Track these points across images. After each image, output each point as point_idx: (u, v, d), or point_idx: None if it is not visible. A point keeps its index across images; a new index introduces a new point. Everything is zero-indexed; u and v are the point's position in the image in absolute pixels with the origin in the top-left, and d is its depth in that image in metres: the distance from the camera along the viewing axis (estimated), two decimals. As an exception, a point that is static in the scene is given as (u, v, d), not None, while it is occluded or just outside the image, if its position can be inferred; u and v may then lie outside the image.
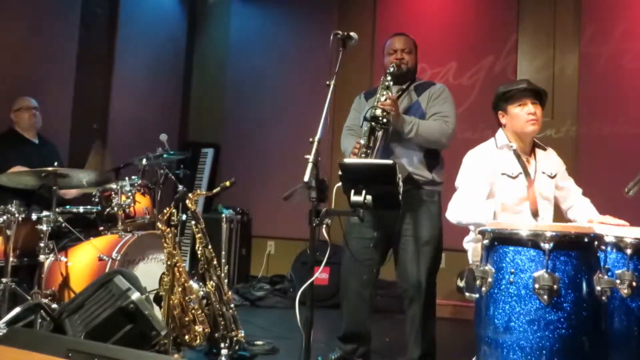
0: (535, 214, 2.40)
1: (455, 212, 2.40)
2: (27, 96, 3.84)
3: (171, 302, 2.60)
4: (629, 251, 1.83)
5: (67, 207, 3.53)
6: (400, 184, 2.06)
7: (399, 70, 2.78)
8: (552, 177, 2.50)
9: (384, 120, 2.54)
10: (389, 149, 2.72)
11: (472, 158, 2.50)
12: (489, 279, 1.83)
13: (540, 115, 2.45)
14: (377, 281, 2.91)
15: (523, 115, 2.41)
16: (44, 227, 2.92)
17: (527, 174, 2.43)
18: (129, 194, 3.39)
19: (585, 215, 2.47)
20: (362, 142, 2.56)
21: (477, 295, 1.90)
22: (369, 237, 2.78)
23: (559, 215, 2.58)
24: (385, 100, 2.59)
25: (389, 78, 2.74)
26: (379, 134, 2.58)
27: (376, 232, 2.77)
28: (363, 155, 2.51)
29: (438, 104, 2.80)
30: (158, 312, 2.66)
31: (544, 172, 2.47)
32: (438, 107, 2.80)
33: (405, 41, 2.87)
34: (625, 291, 1.81)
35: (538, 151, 2.53)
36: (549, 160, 2.54)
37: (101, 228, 3.43)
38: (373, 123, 2.56)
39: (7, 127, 3.80)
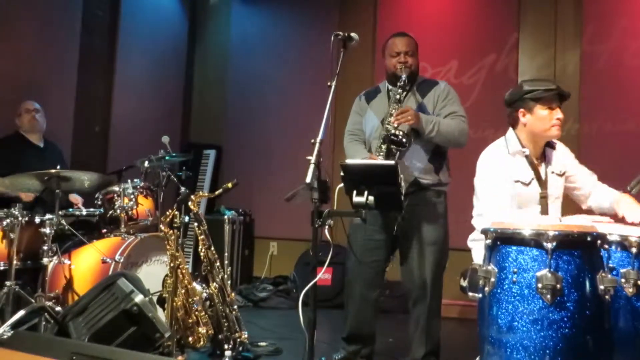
0: (545, 214, 2.38)
1: (487, 220, 2.27)
2: (29, 100, 3.85)
3: (174, 304, 2.60)
4: (634, 250, 1.83)
5: (70, 210, 3.54)
6: (402, 184, 2.06)
7: (406, 77, 2.72)
8: (561, 175, 2.47)
9: (403, 140, 2.49)
10: (393, 154, 2.66)
11: (489, 162, 2.42)
12: (492, 279, 1.83)
13: (562, 120, 2.38)
14: (383, 283, 2.91)
15: (551, 119, 2.33)
16: (47, 230, 2.93)
17: (539, 178, 2.38)
18: (132, 196, 3.40)
19: (606, 199, 2.39)
20: (380, 159, 2.52)
21: (480, 295, 1.90)
22: (374, 238, 2.77)
23: (566, 210, 2.56)
24: (400, 114, 2.55)
25: (399, 91, 2.69)
26: (397, 153, 2.57)
27: (382, 234, 2.76)
28: None
29: (449, 103, 2.78)
30: (161, 314, 2.66)
31: (553, 172, 2.44)
32: (450, 107, 2.77)
33: (408, 43, 2.81)
34: (631, 290, 1.81)
35: (547, 151, 2.48)
36: (557, 158, 2.49)
37: (104, 231, 3.44)
38: (391, 143, 2.51)
39: (13, 130, 3.80)
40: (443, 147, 2.80)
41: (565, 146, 2.57)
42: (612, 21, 4.45)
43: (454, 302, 4.16)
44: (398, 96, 2.68)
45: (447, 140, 2.73)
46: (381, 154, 2.55)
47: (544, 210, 2.38)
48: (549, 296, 1.70)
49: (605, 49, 4.45)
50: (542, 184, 2.38)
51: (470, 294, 2.01)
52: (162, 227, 2.72)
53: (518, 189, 2.38)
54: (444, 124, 2.69)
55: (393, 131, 2.53)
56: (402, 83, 2.70)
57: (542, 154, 2.47)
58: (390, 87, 2.86)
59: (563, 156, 2.53)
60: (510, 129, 2.47)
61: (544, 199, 2.38)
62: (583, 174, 2.54)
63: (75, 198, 3.82)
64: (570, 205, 2.61)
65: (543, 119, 2.34)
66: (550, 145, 2.50)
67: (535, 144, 2.42)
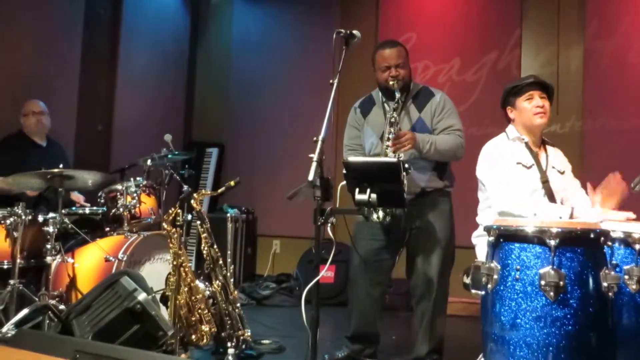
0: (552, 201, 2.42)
1: (510, 203, 2.34)
2: (34, 99, 3.84)
3: (178, 302, 2.60)
4: (637, 246, 1.83)
5: (73, 208, 3.54)
6: (405, 181, 2.05)
7: (399, 87, 2.68)
8: (562, 173, 2.53)
9: (405, 165, 2.43)
10: None
11: (492, 151, 2.51)
12: (495, 276, 1.82)
13: (549, 109, 2.49)
14: (388, 281, 2.90)
15: (531, 108, 2.46)
16: (50, 229, 2.93)
17: (539, 166, 2.45)
18: (135, 194, 3.40)
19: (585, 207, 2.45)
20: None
21: (483, 292, 1.90)
22: (379, 238, 2.77)
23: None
24: (395, 140, 2.51)
25: (395, 115, 2.62)
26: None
27: (387, 232, 2.75)
28: None
29: (445, 117, 2.75)
30: (165, 312, 2.66)
31: (554, 167, 2.50)
32: (446, 120, 2.75)
33: (398, 54, 2.73)
34: (634, 287, 1.81)
35: (548, 147, 2.58)
36: (558, 157, 2.58)
37: (107, 229, 3.44)
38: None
39: (17, 129, 3.79)
40: None
41: (564, 154, 2.64)
42: (616, 18, 4.43)
43: (457, 300, 4.16)
44: (393, 119, 2.60)
45: (444, 157, 2.73)
46: None
47: (549, 195, 2.41)
48: (552, 293, 1.70)
49: (608, 45, 4.43)
50: (541, 169, 2.44)
51: (473, 291, 2.01)
52: (164, 225, 2.72)
53: (520, 172, 2.43)
54: (441, 142, 2.67)
55: (390, 154, 2.48)
56: (396, 105, 2.66)
57: (542, 147, 2.55)
58: (384, 99, 2.83)
59: (563, 159, 2.60)
60: (510, 124, 2.59)
61: (546, 183, 2.41)
62: (574, 187, 2.57)
63: (76, 196, 3.82)
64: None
65: (524, 110, 2.48)
66: (549, 143, 2.59)
67: (531, 134, 2.51)
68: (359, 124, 2.91)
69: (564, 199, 2.56)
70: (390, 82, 2.69)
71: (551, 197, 2.41)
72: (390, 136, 2.54)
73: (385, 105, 2.81)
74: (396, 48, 2.76)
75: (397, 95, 2.66)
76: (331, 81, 2.18)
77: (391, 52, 2.74)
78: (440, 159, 2.74)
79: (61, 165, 3.11)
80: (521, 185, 2.40)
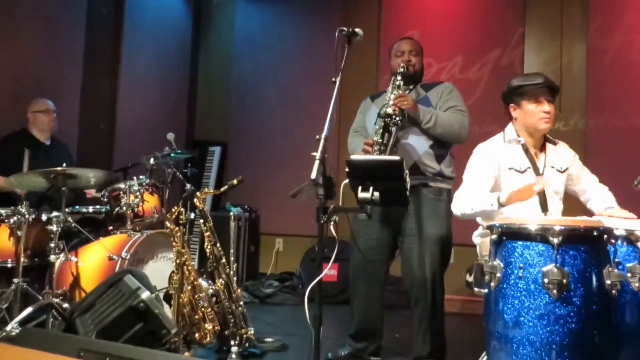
0: (544, 209, 2.38)
1: (457, 204, 2.40)
2: (43, 98, 3.84)
3: (181, 300, 2.61)
4: None
5: (77, 207, 3.56)
6: (408, 179, 2.05)
7: (407, 72, 2.77)
8: (562, 172, 2.47)
9: (398, 118, 2.54)
10: (390, 131, 2.65)
11: (479, 152, 2.50)
12: (498, 274, 1.83)
13: (553, 112, 2.41)
14: (386, 278, 2.91)
15: (538, 112, 2.37)
16: (54, 228, 2.94)
17: (535, 168, 2.41)
18: (138, 193, 3.41)
19: (602, 206, 2.44)
20: (376, 138, 2.53)
21: (486, 291, 1.90)
22: (375, 236, 2.78)
23: (568, 210, 2.55)
24: (397, 99, 2.58)
25: (399, 78, 2.73)
26: (393, 129, 2.57)
27: (383, 231, 2.77)
28: (377, 152, 2.49)
29: (452, 99, 2.81)
30: (168, 311, 2.67)
31: (553, 167, 2.45)
32: (452, 101, 2.80)
33: (413, 44, 2.89)
34: (637, 284, 1.80)
35: (548, 146, 2.50)
36: (559, 154, 2.51)
37: (110, 228, 3.45)
38: (387, 119, 2.55)
39: (20, 127, 3.80)
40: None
41: (569, 147, 2.58)
42: (619, 15, 4.42)
43: (456, 297, 4.16)
44: (397, 82, 2.71)
45: (446, 133, 2.72)
46: (378, 132, 2.55)
47: (543, 204, 2.38)
48: (555, 291, 1.70)
49: (611, 43, 4.42)
50: (537, 173, 2.39)
51: (476, 289, 2.01)
52: (167, 223, 2.72)
53: (513, 178, 2.39)
54: (443, 116, 2.71)
55: (389, 110, 2.56)
56: (402, 70, 2.74)
57: (541, 148, 2.49)
58: None
59: (565, 154, 2.53)
60: (510, 122, 2.52)
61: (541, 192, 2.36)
62: (586, 177, 2.55)
63: (89, 190, 3.83)
64: (574, 203, 2.61)
65: (530, 113, 2.39)
66: (551, 141, 2.52)
67: (531, 136, 2.46)
68: (366, 109, 2.98)
69: (578, 192, 2.55)
70: (401, 65, 2.78)
71: (544, 200, 2.38)
72: (392, 96, 2.61)
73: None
74: (412, 40, 2.96)
75: (403, 67, 2.75)
76: (333, 79, 2.18)
77: (407, 41, 2.92)
78: (441, 135, 2.73)
79: (64, 164, 3.11)
80: (483, 188, 2.38)
